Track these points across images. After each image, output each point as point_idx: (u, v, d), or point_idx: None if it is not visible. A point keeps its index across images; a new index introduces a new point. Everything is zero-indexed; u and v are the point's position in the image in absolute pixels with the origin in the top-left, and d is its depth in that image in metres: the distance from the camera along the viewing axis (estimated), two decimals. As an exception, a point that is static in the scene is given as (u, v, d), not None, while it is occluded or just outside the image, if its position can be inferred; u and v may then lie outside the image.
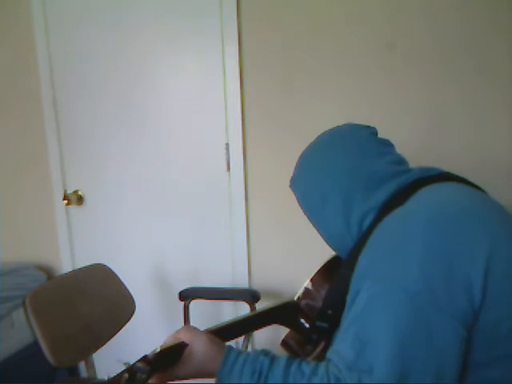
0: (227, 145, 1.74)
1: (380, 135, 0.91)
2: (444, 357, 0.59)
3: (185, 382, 0.73)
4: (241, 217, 1.75)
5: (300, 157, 0.92)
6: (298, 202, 0.91)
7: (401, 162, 0.85)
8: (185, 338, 0.72)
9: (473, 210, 0.69)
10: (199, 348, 0.71)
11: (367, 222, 0.78)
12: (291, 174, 0.93)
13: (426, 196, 0.73)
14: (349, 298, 0.69)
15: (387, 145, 0.88)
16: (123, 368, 0.63)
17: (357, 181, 0.80)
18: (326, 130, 0.92)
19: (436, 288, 0.60)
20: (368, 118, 1.56)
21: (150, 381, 0.65)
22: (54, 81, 1.93)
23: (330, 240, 0.87)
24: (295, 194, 0.92)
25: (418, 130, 1.52)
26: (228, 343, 0.75)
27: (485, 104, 1.46)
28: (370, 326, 0.62)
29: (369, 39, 1.52)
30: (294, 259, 1.72)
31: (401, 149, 0.92)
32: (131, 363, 0.65)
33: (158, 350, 0.68)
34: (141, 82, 1.82)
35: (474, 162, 1.48)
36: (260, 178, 1.72)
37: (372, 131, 0.89)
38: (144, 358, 0.66)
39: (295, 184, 0.92)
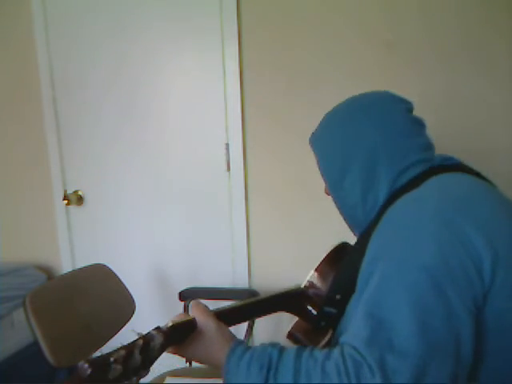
0: (227, 145, 1.74)
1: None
2: (462, 332, 0.58)
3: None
4: (241, 217, 1.76)
5: (327, 114, 0.87)
6: (317, 162, 0.87)
7: (429, 147, 0.82)
8: (196, 315, 0.71)
9: (482, 198, 0.69)
10: (206, 334, 0.69)
11: (381, 201, 0.76)
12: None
13: (438, 182, 0.72)
14: (360, 282, 0.67)
15: (420, 125, 0.83)
16: (137, 337, 0.62)
17: (384, 157, 0.77)
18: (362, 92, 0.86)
19: (452, 265, 0.59)
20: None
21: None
22: (54, 81, 1.93)
23: (342, 208, 0.85)
24: (314, 153, 0.87)
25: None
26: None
27: (484, 103, 1.45)
28: (385, 304, 0.60)
29: (368, 38, 1.52)
30: (293, 259, 1.72)
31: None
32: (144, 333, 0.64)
33: (170, 324, 0.67)
34: (140, 82, 1.82)
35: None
36: (260, 177, 1.72)
37: (408, 107, 0.83)
38: (158, 329, 0.65)
39: (316, 143, 0.87)
